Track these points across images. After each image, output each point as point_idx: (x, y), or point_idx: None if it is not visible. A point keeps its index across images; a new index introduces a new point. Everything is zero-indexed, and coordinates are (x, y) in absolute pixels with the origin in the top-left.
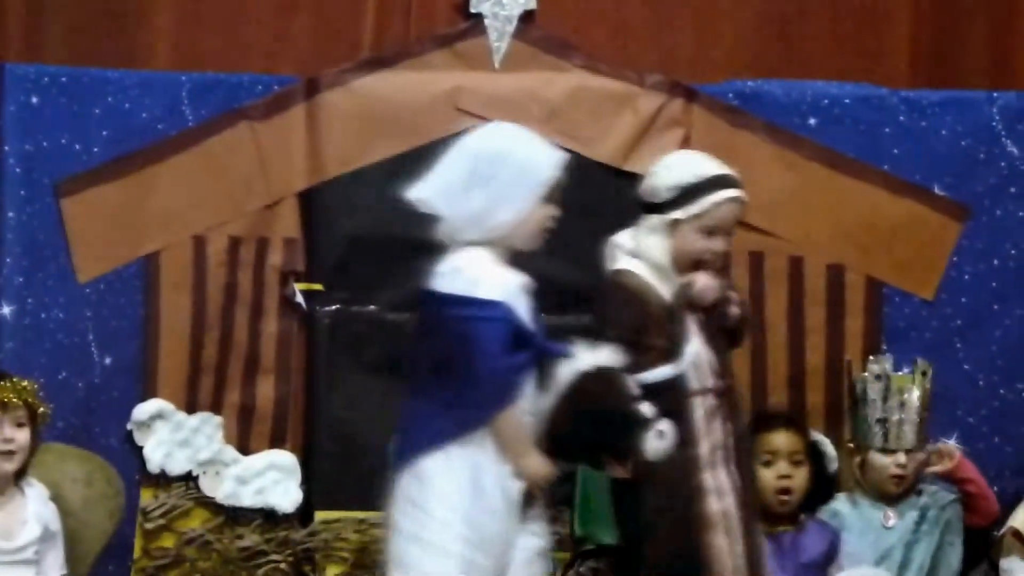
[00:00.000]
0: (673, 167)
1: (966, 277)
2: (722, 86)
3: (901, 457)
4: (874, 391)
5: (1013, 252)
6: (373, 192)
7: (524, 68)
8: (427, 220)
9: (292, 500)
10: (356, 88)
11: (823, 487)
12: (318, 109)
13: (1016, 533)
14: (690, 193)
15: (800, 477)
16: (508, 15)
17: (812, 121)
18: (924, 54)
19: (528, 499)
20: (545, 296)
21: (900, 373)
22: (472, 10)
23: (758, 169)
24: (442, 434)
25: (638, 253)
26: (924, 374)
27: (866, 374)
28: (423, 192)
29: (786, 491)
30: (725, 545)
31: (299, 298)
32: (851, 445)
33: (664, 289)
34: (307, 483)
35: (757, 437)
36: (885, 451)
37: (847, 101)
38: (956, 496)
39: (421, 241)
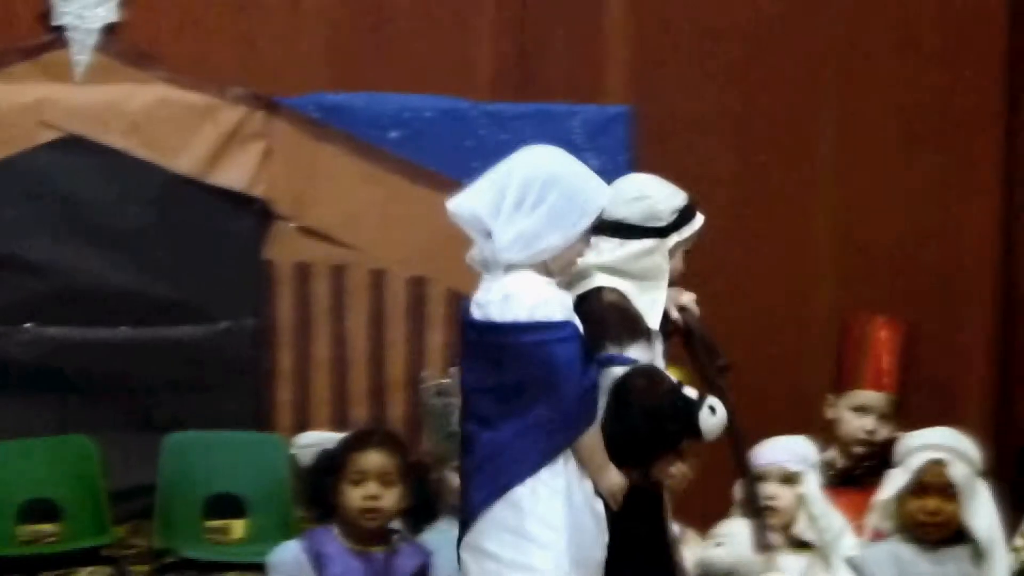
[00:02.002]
0: (665, 190)
1: None
2: (305, 99)
3: None
4: (438, 407)
5: None
6: None
7: (107, 80)
8: None
9: None
10: None
11: (426, 507)
12: None
13: None
14: (686, 215)
15: (390, 498)
16: (89, 28)
17: (394, 134)
18: (507, 67)
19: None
20: (133, 309)
21: None
22: (54, 23)
23: (340, 182)
24: (532, 460)
25: (636, 273)
26: None
27: (429, 387)
28: (468, 206)
29: (373, 511)
30: None
31: None
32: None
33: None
34: None
35: (348, 456)
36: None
37: (428, 114)
38: None
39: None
